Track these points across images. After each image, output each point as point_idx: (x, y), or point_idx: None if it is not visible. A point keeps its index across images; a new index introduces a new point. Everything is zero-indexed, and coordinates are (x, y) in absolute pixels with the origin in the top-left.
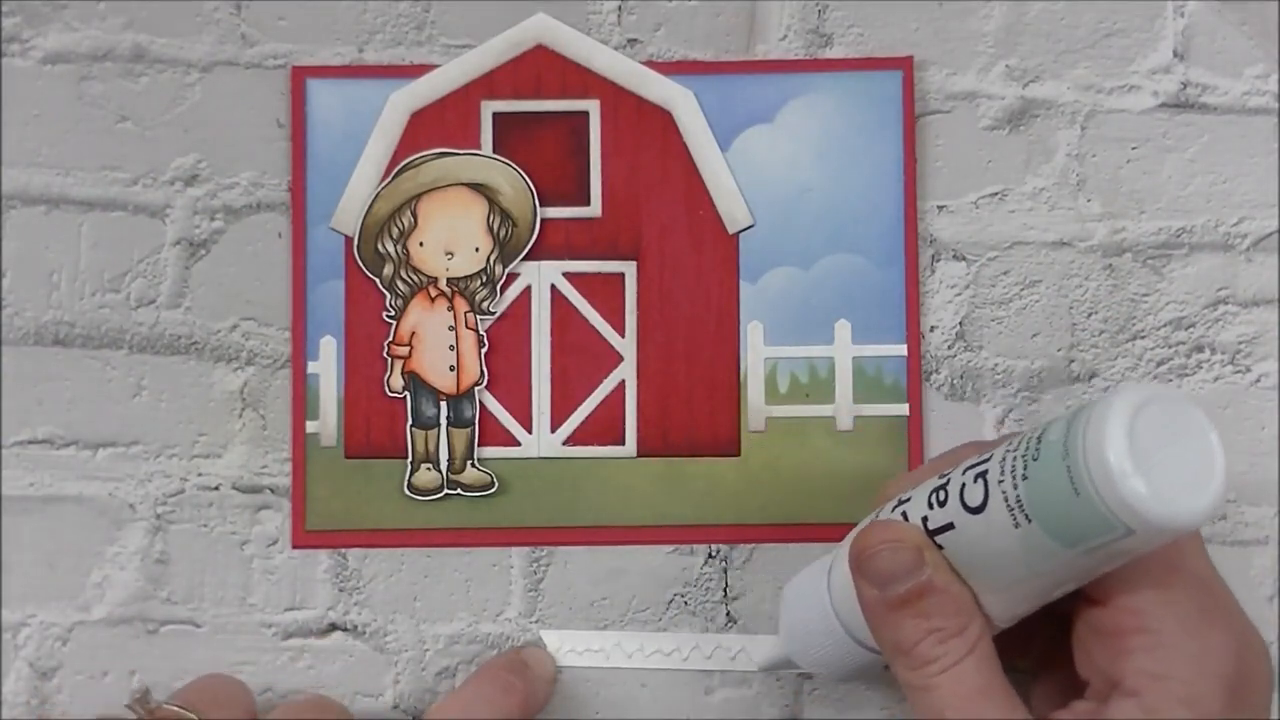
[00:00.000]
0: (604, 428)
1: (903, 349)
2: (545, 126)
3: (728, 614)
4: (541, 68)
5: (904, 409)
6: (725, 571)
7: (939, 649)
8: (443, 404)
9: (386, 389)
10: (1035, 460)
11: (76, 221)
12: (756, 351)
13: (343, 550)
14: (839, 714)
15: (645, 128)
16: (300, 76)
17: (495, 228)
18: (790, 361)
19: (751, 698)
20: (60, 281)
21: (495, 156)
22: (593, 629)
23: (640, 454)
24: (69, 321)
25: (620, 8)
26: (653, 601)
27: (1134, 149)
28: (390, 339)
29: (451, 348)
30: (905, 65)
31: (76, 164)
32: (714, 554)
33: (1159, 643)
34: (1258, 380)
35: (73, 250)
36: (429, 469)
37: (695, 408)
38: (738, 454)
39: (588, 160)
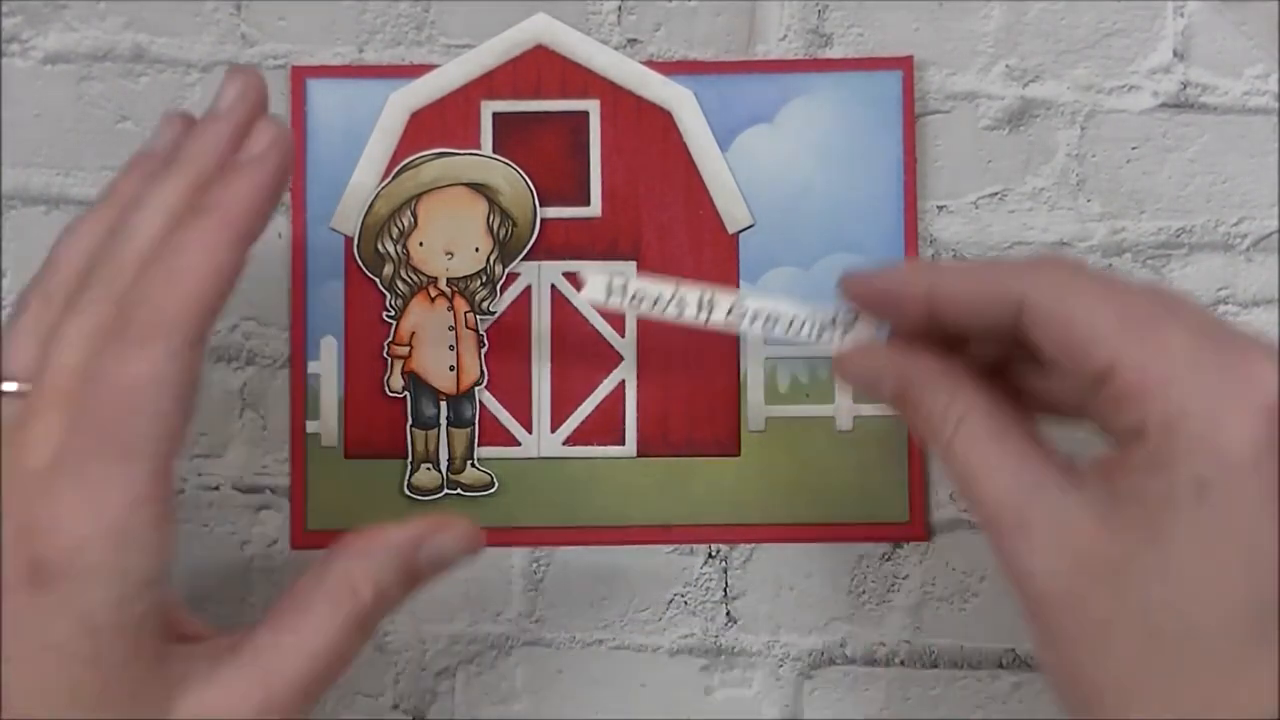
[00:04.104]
0: (604, 428)
1: None
2: (545, 126)
3: (728, 614)
4: (541, 68)
5: None
6: (725, 571)
7: (940, 422)
8: (443, 404)
9: (386, 389)
10: None
11: None
12: (756, 351)
13: None
14: (839, 714)
15: (645, 128)
16: (300, 76)
17: (495, 228)
18: (790, 362)
19: (751, 698)
20: None
21: (495, 156)
22: (593, 629)
23: (640, 454)
24: None
25: (620, 8)
26: (653, 601)
27: (1134, 149)
28: (390, 339)
29: (451, 348)
30: (905, 65)
31: (76, 164)
32: (714, 554)
33: (1170, 384)
34: None
35: None
36: (429, 469)
37: (695, 408)
38: (737, 454)
39: (587, 160)
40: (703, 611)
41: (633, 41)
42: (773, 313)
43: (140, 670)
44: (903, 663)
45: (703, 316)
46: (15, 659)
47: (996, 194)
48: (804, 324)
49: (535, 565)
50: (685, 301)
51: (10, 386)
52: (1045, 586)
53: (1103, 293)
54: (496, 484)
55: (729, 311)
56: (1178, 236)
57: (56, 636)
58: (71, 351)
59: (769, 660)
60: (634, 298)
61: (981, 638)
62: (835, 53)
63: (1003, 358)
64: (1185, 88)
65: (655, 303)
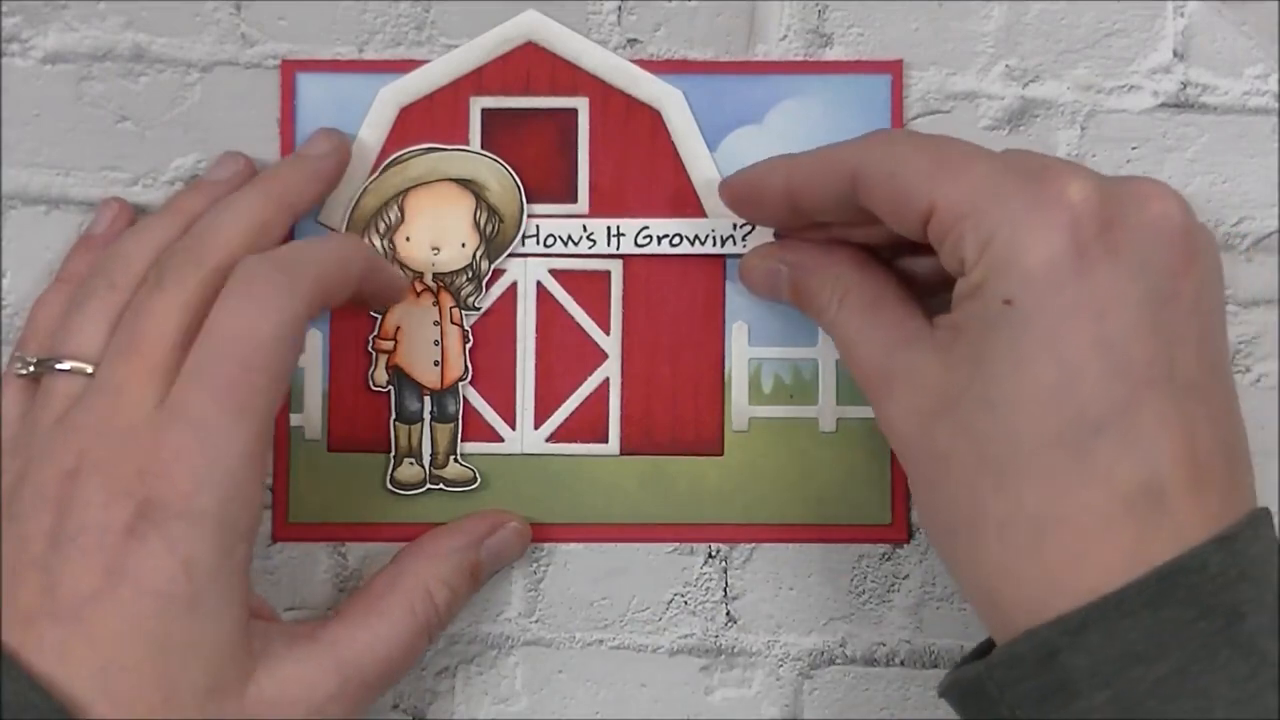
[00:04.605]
0: (587, 425)
1: None
2: (534, 123)
3: (728, 613)
4: (531, 64)
5: None
6: (725, 571)
7: (825, 304)
8: (426, 399)
9: (371, 383)
10: None
11: (76, 221)
12: (741, 352)
13: (343, 550)
14: (839, 714)
15: (634, 126)
16: (290, 70)
17: (482, 224)
18: (774, 363)
19: (751, 698)
20: None
21: (483, 152)
22: (593, 629)
23: (623, 452)
24: None
25: (620, 8)
26: (653, 601)
27: (1134, 149)
28: (375, 333)
29: (436, 343)
30: (894, 69)
31: (76, 164)
32: (714, 554)
33: (978, 212)
34: (1258, 380)
35: None
36: (411, 464)
37: (679, 407)
38: (721, 454)
39: (575, 157)
40: (703, 611)
41: (633, 41)
42: (677, 231)
43: (229, 627)
44: (903, 663)
45: (614, 244)
46: (111, 603)
47: None
48: (707, 238)
49: (535, 565)
50: (595, 236)
51: (68, 365)
52: (902, 432)
53: (920, 146)
54: (479, 480)
55: (636, 236)
56: None
57: (158, 580)
58: (164, 321)
59: (769, 660)
60: (548, 240)
61: (981, 638)
62: (835, 53)
63: (889, 246)
64: (1185, 88)
65: (568, 242)
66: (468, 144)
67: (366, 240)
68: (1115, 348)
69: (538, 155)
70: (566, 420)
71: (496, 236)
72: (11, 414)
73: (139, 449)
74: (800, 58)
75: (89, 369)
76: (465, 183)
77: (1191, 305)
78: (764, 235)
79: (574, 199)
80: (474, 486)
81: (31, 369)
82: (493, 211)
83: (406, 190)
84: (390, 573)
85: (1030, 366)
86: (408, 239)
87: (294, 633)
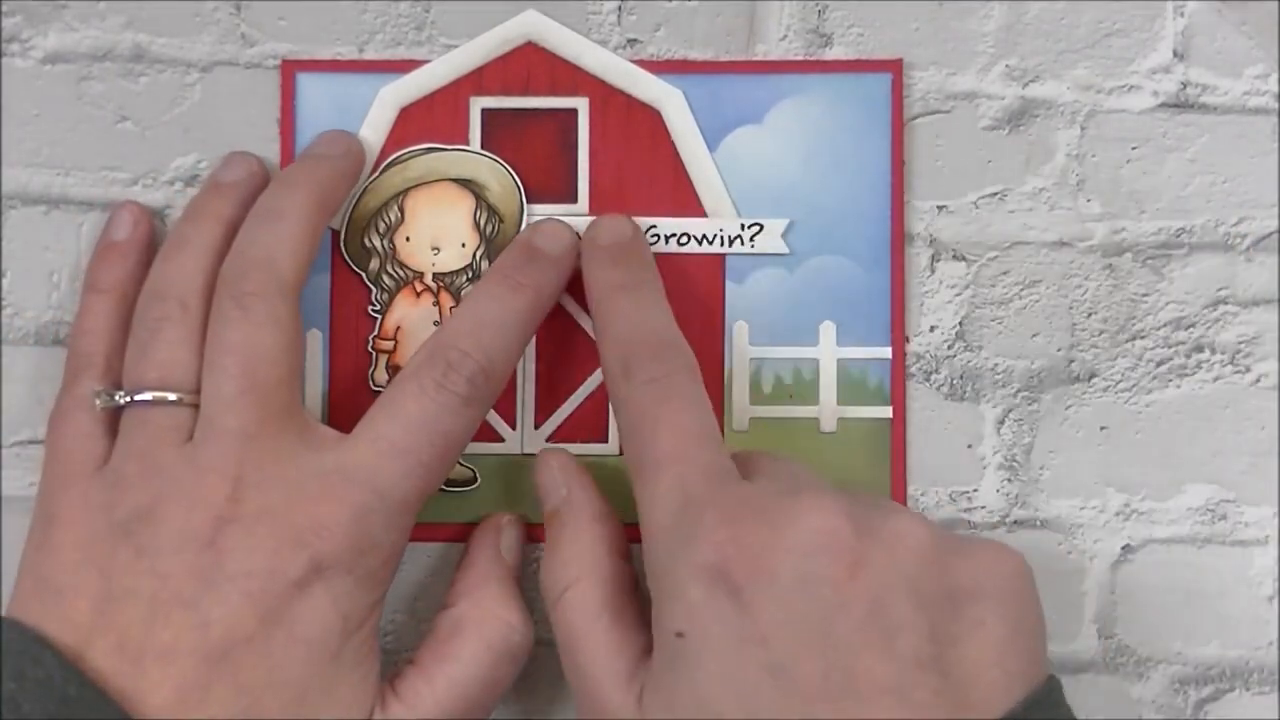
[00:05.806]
0: (588, 425)
1: (887, 351)
2: (534, 123)
3: None
4: (531, 64)
5: (887, 412)
6: None
7: (561, 573)
8: None
9: (371, 383)
10: None
11: (76, 221)
12: (741, 352)
13: None
14: None
15: (634, 126)
16: (290, 70)
17: (482, 224)
18: (775, 362)
19: None
20: (60, 281)
21: (482, 152)
22: None
23: (623, 452)
24: (69, 321)
25: (620, 8)
26: None
27: (1134, 149)
28: (375, 333)
29: None
30: (895, 68)
31: (76, 164)
32: None
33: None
34: (1258, 380)
35: (73, 250)
36: None
37: None
38: None
39: (575, 158)
40: None
41: (633, 42)
42: (685, 230)
43: (359, 679)
44: None
45: None
46: (262, 647)
47: (996, 194)
48: (715, 237)
49: (534, 565)
50: None
51: (150, 396)
52: None
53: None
54: (479, 479)
55: (644, 234)
56: (1178, 236)
57: (314, 631)
58: (275, 364)
59: None
60: None
61: None
62: (835, 53)
63: None
64: (1185, 88)
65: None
66: (468, 144)
67: (367, 241)
68: (784, 669)
69: (538, 155)
70: (567, 420)
71: (496, 237)
72: (97, 437)
73: (313, 503)
74: (800, 57)
75: (172, 397)
76: (465, 183)
77: (868, 612)
78: (773, 236)
79: (574, 199)
80: (474, 486)
81: (123, 401)
82: (493, 211)
83: (406, 190)
84: (451, 616)
85: (712, 703)
86: (408, 239)
87: (383, 691)
